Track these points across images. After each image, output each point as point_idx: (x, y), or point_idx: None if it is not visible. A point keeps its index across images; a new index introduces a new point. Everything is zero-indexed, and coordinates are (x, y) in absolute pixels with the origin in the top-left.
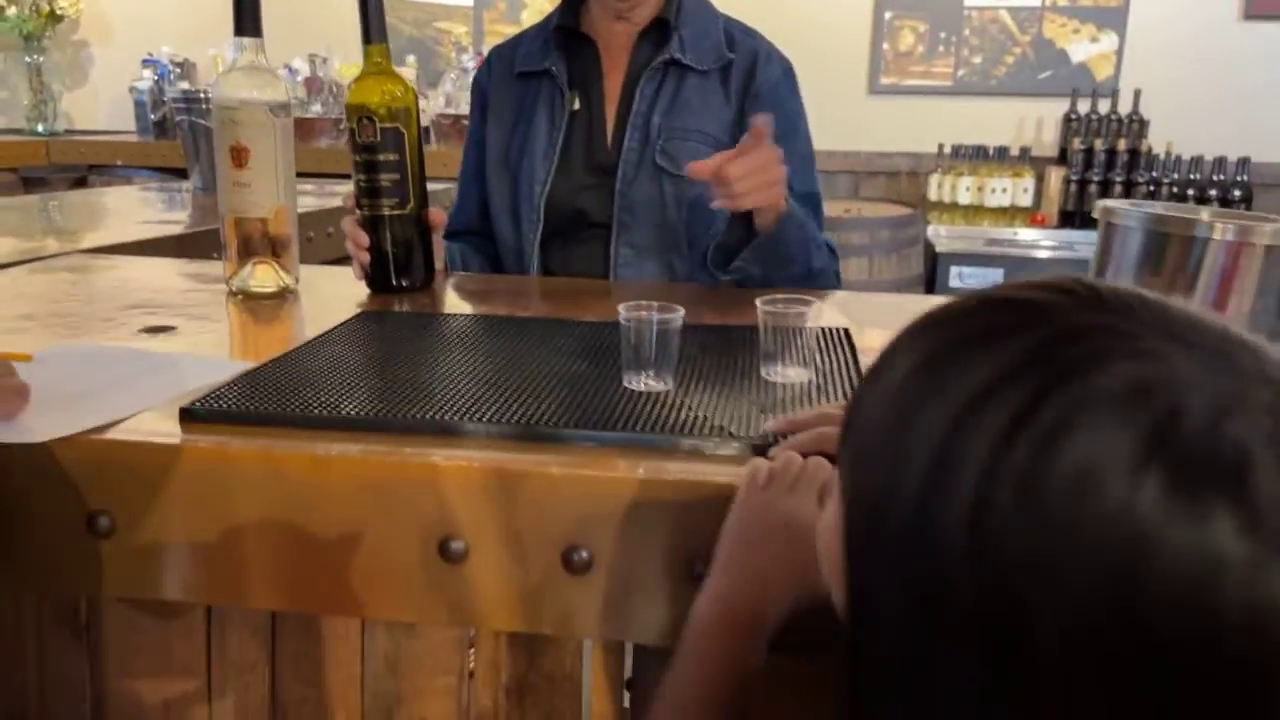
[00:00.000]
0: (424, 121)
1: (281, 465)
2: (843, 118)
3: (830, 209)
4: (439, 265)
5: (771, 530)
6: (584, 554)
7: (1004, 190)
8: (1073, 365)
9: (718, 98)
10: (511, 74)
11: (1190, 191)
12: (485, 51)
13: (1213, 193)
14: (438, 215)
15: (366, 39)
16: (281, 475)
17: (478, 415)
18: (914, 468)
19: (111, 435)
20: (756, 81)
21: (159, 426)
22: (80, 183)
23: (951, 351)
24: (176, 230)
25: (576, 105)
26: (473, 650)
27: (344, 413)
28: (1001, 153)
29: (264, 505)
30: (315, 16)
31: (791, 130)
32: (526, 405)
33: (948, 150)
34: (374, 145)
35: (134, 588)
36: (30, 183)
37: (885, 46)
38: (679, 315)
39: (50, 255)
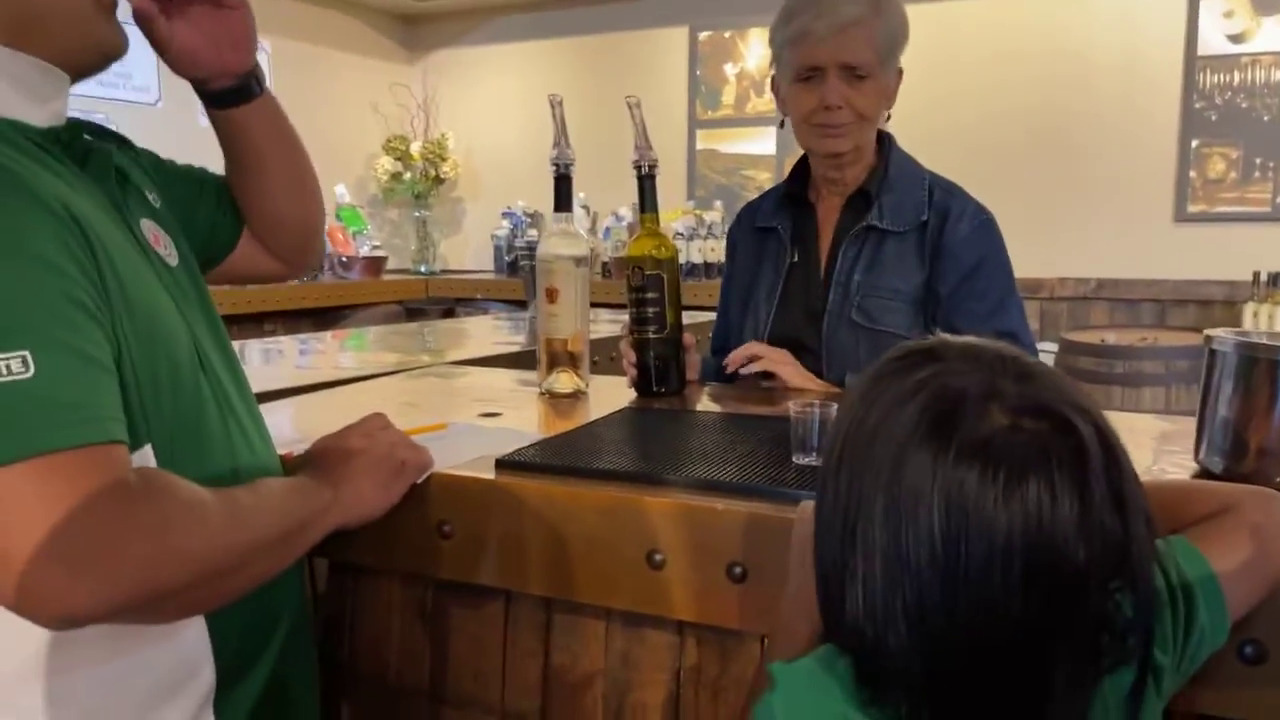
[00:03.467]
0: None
1: (552, 496)
2: (1146, 246)
3: (1125, 337)
4: (692, 376)
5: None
6: (739, 569)
7: None
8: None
9: (912, 256)
10: (753, 228)
11: None
12: None
13: None
14: (689, 339)
15: (642, 210)
16: (553, 503)
17: (680, 473)
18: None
19: (454, 473)
20: (944, 238)
21: (483, 470)
22: (449, 313)
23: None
24: (514, 349)
25: (795, 258)
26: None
27: (594, 466)
28: None
29: (541, 523)
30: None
31: (972, 280)
32: (719, 467)
33: (1264, 278)
34: (642, 287)
35: (463, 575)
36: (411, 312)
37: (1193, 174)
38: (833, 408)
39: (423, 365)
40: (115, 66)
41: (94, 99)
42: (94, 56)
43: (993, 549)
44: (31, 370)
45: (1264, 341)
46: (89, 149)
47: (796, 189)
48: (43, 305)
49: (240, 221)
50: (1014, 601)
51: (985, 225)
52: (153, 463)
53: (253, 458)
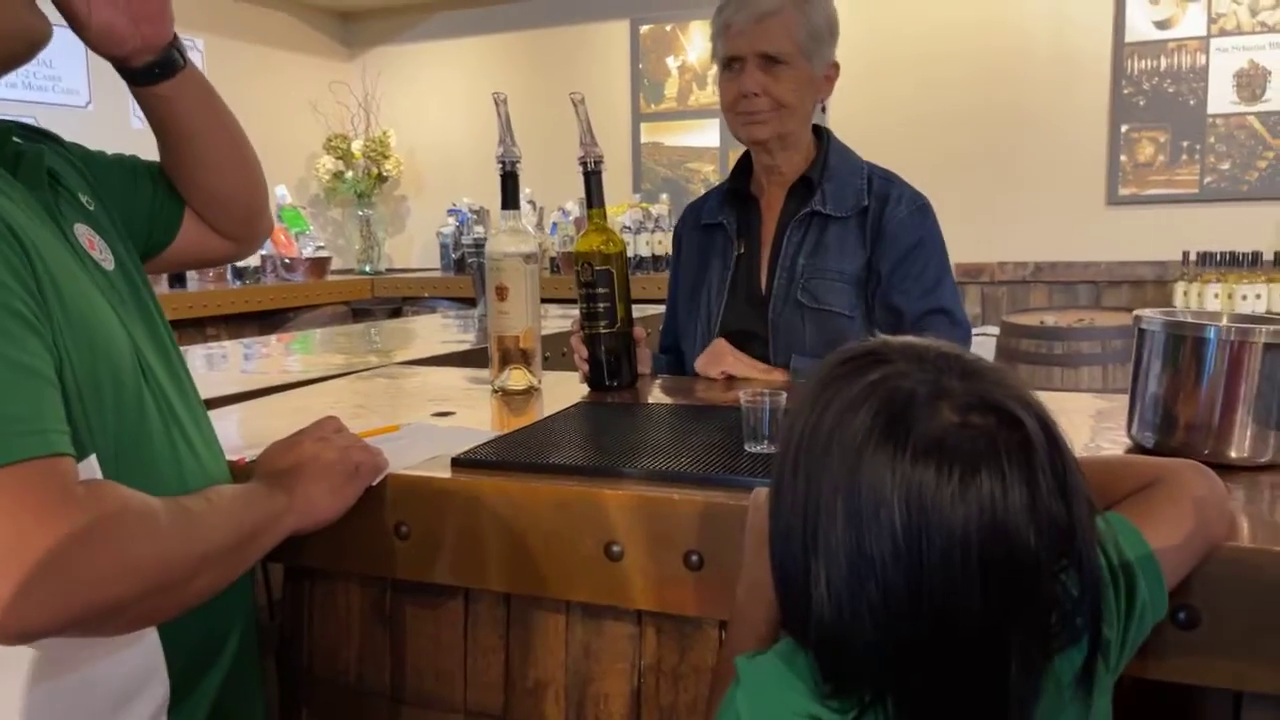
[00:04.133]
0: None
1: (509, 493)
2: (1081, 229)
3: (1063, 319)
4: (645, 369)
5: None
6: (695, 557)
7: (1257, 297)
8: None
9: (854, 239)
10: (699, 225)
11: None
12: None
13: None
14: (639, 332)
15: (589, 205)
16: (509, 499)
17: (635, 465)
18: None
19: (409, 473)
20: (884, 221)
21: (439, 469)
22: (396, 312)
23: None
24: (464, 347)
25: (741, 250)
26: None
27: (550, 461)
28: (1254, 258)
29: (499, 520)
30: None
31: (910, 260)
32: (674, 459)
33: (1193, 257)
34: (592, 282)
35: (421, 574)
36: (358, 313)
37: (1123, 158)
38: (783, 396)
39: (372, 367)
40: (45, 70)
41: (24, 103)
42: (19, 45)
43: (952, 541)
44: None
45: (1189, 320)
46: (20, 153)
47: (740, 185)
48: None
49: (181, 203)
50: (973, 589)
51: (922, 209)
52: (98, 474)
53: (198, 466)
